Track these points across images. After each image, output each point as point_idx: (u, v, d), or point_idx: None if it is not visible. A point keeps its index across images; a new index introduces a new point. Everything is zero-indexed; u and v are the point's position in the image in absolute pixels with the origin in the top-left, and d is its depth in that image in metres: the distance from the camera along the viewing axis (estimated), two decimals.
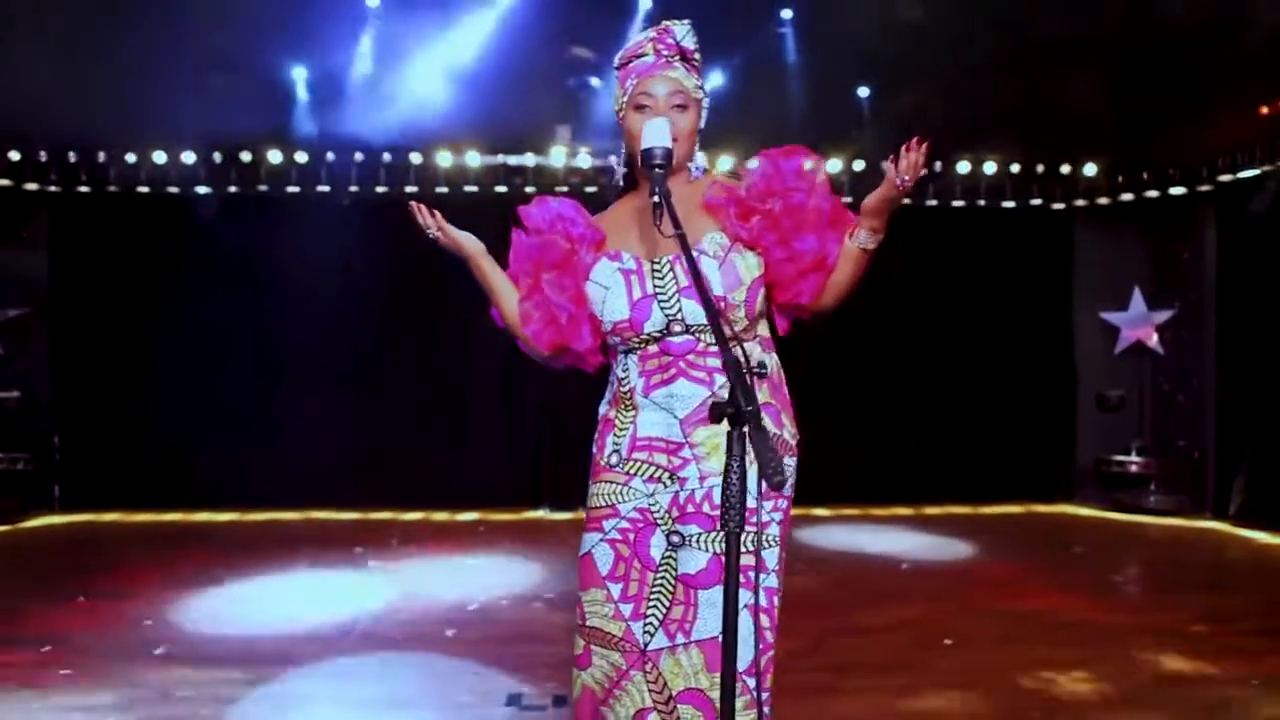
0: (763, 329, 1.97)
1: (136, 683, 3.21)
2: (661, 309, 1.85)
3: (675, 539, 1.84)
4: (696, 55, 1.98)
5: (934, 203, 7.05)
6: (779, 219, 1.87)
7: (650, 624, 1.84)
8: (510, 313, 1.99)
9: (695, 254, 1.81)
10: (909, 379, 7.07)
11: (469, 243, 2.01)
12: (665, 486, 1.86)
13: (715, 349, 1.72)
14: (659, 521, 1.86)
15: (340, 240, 6.53)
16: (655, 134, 1.76)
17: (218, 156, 6.44)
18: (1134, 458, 6.89)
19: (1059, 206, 7.17)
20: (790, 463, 1.93)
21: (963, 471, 7.14)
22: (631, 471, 1.88)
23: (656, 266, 1.89)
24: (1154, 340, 7.03)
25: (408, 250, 6.51)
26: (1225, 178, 6.44)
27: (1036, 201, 7.14)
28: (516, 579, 4.71)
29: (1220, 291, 6.56)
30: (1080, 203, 7.15)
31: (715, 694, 1.79)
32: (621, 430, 1.92)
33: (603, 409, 2.00)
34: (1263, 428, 6.10)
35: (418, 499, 6.64)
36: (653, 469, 1.87)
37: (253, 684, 3.23)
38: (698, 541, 1.82)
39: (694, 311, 1.84)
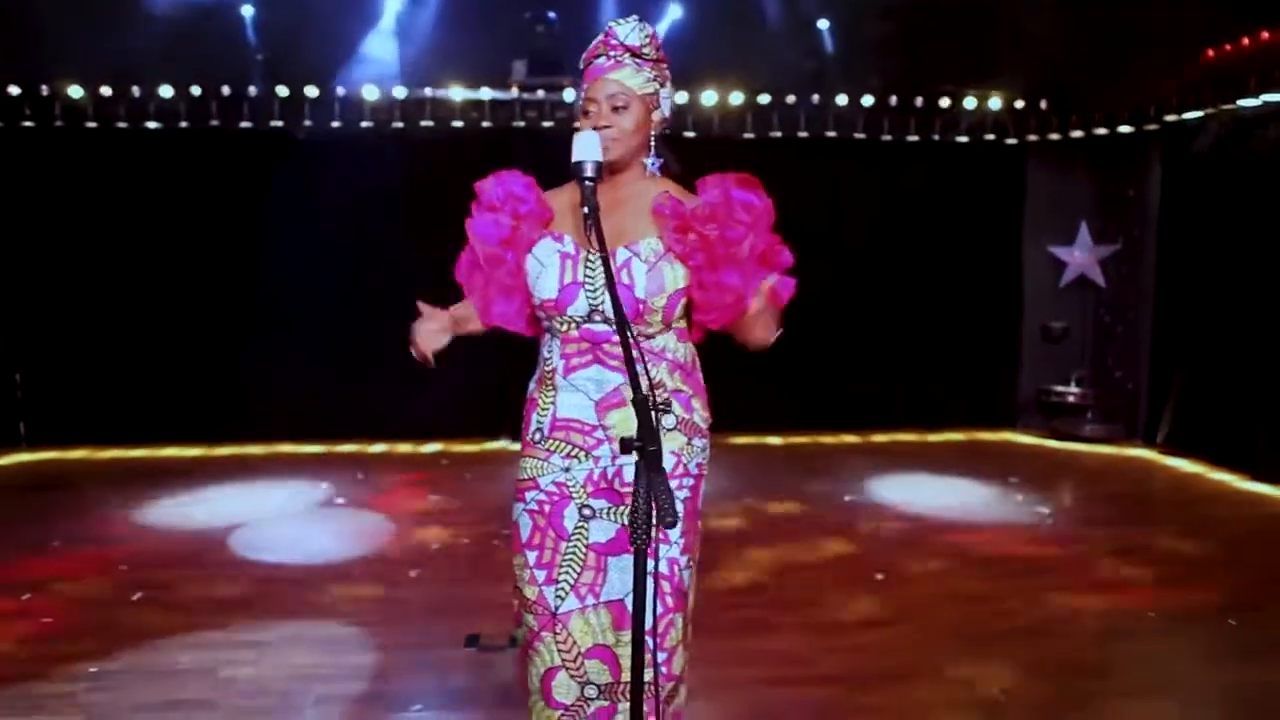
0: (682, 322, 2.13)
1: (117, 630, 3.40)
2: (586, 297, 2.01)
3: (587, 511, 2.05)
4: (646, 49, 2.08)
5: (889, 138, 7.11)
6: (713, 245, 2.02)
7: (562, 589, 2.06)
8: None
9: (629, 254, 2.00)
10: (861, 309, 7.25)
11: (442, 335, 2.08)
12: (580, 463, 2.05)
13: (630, 340, 1.82)
14: (573, 495, 2.06)
15: (300, 175, 6.54)
16: (584, 148, 1.85)
17: (167, 91, 6.33)
18: (1072, 388, 7.19)
19: (1012, 142, 7.28)
20: (700, 443, 2.13)
21: (910, 400, 7.41)
22: (551, 448, 2.08)
23: (590, 257, 2.03)
24: (1097, 274, 7.26)
25: (367, 185, 6.60)
26: (1170, 118, 6.56)
27: (990, 137, 7.25)
28: (477, 515, 4.92)
29: (1161, 229, 6.76)
30: (1032, 138, 7.26)
31: (620, 650, 2.04)
32: (544, 409, 2.11)
33: (530, 387, 2.19)
34: (1191, 361, 6.40)
35: (382, 431, 6.81)
36: (569, 447, 2.07)
37: (227, 628, 3.43)
38: (607, 514, 2.04)
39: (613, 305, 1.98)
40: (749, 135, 6.97)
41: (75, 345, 6.54)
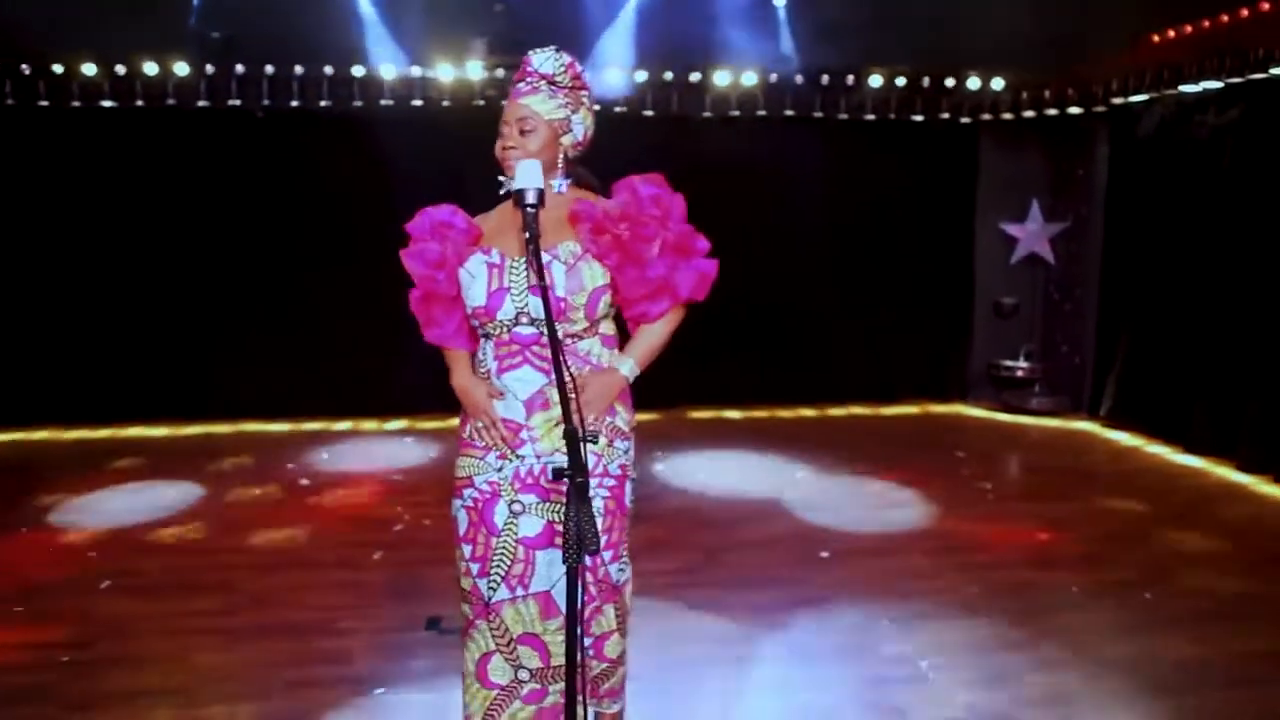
0: (606, 327, 2.29)
1: (89, 618, 3.51)
2: (512, 302, 2.17)
3: (517, 507, 2.22)
4: (560, 77, 2.24)
5: (845, 116, 7.23)
6: (626, 243, 2.17)
7: (494, 581, 2.24)
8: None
9: (549, 258, 2.16)
10: (818, 285, 7.43)
11: (480, 389, 2.27)
12: (510, 461, 2.22)
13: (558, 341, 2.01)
14: (503, 493, 2.23)
15: (261, 154, 6.58)
16: (526, 175, 1.96)
17: (121, 69, 6.29)
18: (1021, 362, 7.44)
19: (966, 120, 7.43)
20: (623, 445, 2.29)
21: (866, 374, 7.62)
22: (486, 446, 2.25)
23: (514, 264, 2.19)
24: (1047, 251, 7.47)
25: (328, 163, 6.63)
26: (1117, 101, 6.73)
27: (944, 115, 7.39)
28: (441, 494, 5.03)
29: (1108, 208, 6.96)
30: (986, 117, 7.41)
31: (547, 638, 2.25)
32: None
33: None
34: (1133, 337, 6.65)
35: (347, 408, 6.91)
36: (502, 446, 2.22)
37: (197, 614, 3.56)
38: (534, 509, 2.20)
39: (539, 307, 2.14)
40: (707, 115, 7.05)
41: (36, 326, 6.56)
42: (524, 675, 2.27)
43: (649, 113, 6.93)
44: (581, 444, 1.58)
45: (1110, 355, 6.91)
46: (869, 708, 2.91)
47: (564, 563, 1.57)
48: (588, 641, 2.30)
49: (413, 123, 6.56)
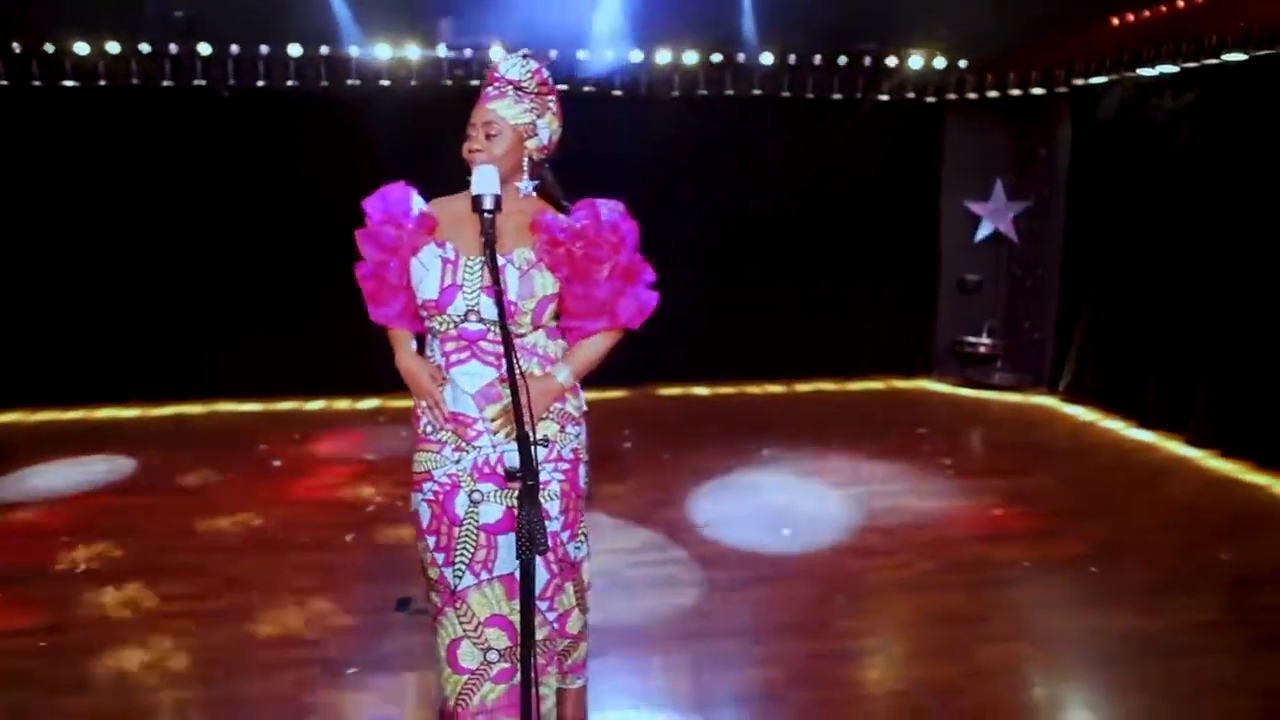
0: (552, 321, 2.37)
1: (65, 603, 3.57)
2: (464, 299, 2.24)
3: (476, 496, 2.31)
4: (526, 83, 2.30)
5: (812, 96, 7.28)
6: (579, 262, 2.26)
7: (459, 569, 2.33)
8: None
9: (504, 261, 2.22)
10: (785, 262, 7.53)
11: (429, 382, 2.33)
12: (467, 453, 2.30)
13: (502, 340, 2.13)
14: (462, 484, 2.31)
15: (227, 134, 6.56)
16: (483, 182, 2.02)
17: (83, 48, 6.22)
18: (984, 339, 7.59)
19: (931, 100, 7.51)
20: (574, 430, 2.40)
21: (832, 349, 7.76)
22: (443, 440, 2.33)
23: (468, 263, 2.26)
24: (1010, 229, 7.61)
25: (298, 143, 6.61)
26: (1078, 83, 6.84)
27: (910, 95, 7.46)
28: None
29: (1069, 187, 7.08)
30: (951, 97, 7.49)
31: (514, 617, 2.35)
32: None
33: None
34: (1092, 314, 6.81)
35: (320, 388, 6.95)
36: (457, 439, 2.31)
37: (172, 598, 3.62)
38: (493, 497, 2.30)
39: (489, 307, 2.23)
40: (675, 94, 7.09)
41: (3, 307, 6.52)
42: (493, 657, 2.37)
43: (618, 93, 6.95)
44: (532, 447, 1.66)
45: (1070, 332, 7.07)
46: (820, 682, 3.04)
47: (517, 557, 1.65)
48: (552, 616, 2.43)
49: (381, 102, 6.54)
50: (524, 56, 2.35)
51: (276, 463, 5.42)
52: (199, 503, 4.75)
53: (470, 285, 2.25)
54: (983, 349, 7.57)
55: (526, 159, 2.33)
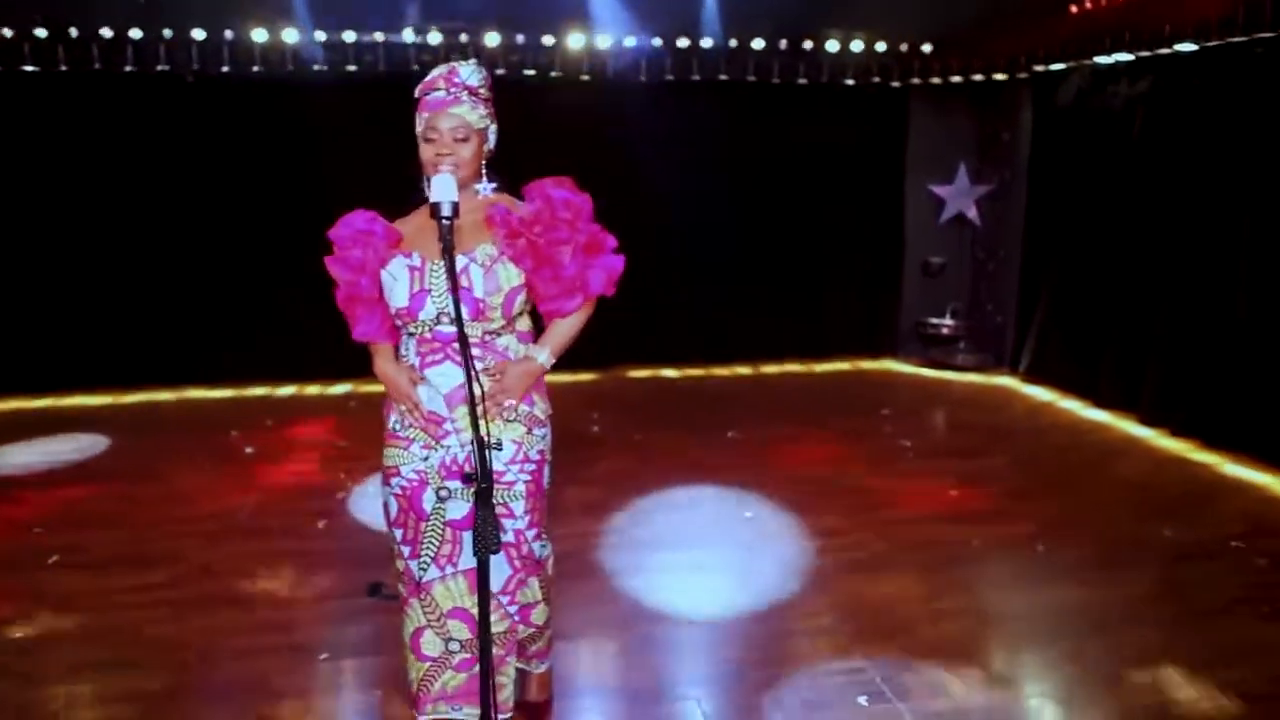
0: (522, 324, 2.47)
1: (38, 593, 3.63)
2: (433, 303, 2.32)
3: (444, 493, 2.41)
4: (481, 89, 2.37)
5: (778, 81, 7.36)
6: (541, 248, 2.34)
7: (424, 562, 2.44)
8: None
9: (466, 260, 2.31)
10: (752, 245, 7.63)
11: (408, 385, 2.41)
12: (435, 451, 2.39)
13: (477, 339, 2.33)
14: (429, 481, 2.41)
15: (192, 120, 6.55)
16: (442, 190, 2.11)
17: (42, 32, 6.18)
18: (947, 320, 7.75)
19: (896, 85, 7.61)
20: (540, 432, 2.49)
21: (799, 332, 7.89)
22: (411, 437, 2.42)
23: (434, 267, 2.34)
24: (973, 212, 7.75)
25: (264, 128, 6.61)
26: (1039, 69, 6.96)
27: (875, 79, 7.56)
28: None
29: (1030, 172, 7.22)
30: (915, 82, 7.59)
31: (476, 610, 2.43)
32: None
33: None
34: (1051, 296, 6.97)
35: (290, 374, 6.99)
36: (425, 437, 2.40)
37: (146, 587, 3.69)
38: (460, 494, 2.39)
39: (460, 307, 2.29)
40: (642, 79, 7.14)
41: None
42: (454, 647, 2.48)
43: (585, 78, 6.99)
44: (488, 451, 1.76)
45: (1030, 314, 7.24)
46: (774, 660, 3.17)
47: (475, 554, 1.75)
48: (513, 609, 2.53)
49: (347, 88, 6.55)
50: (476, 63, 2.42)
51: (249, 450, 5.48)
52: (171, 490, 4.81)
53: (438, 289, 2.32)
54: (946, 330, 7.73)
55: (484, 162, 2.41)
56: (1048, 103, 6.95)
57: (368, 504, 4.63)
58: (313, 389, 6.90)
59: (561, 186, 2.40)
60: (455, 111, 2.30)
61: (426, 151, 2.32)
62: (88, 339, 6.69)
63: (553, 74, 6.89)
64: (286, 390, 6.87)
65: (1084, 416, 6.33)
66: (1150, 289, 5.97)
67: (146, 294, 6.74)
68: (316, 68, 6.56)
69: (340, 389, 6.89)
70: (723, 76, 7.24)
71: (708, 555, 4.04)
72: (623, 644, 3.30)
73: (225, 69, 6.45)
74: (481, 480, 1.71)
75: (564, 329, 2.46)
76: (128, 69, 6.36)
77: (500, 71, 6.74)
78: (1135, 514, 4.51)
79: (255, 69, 6.48)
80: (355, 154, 6.51)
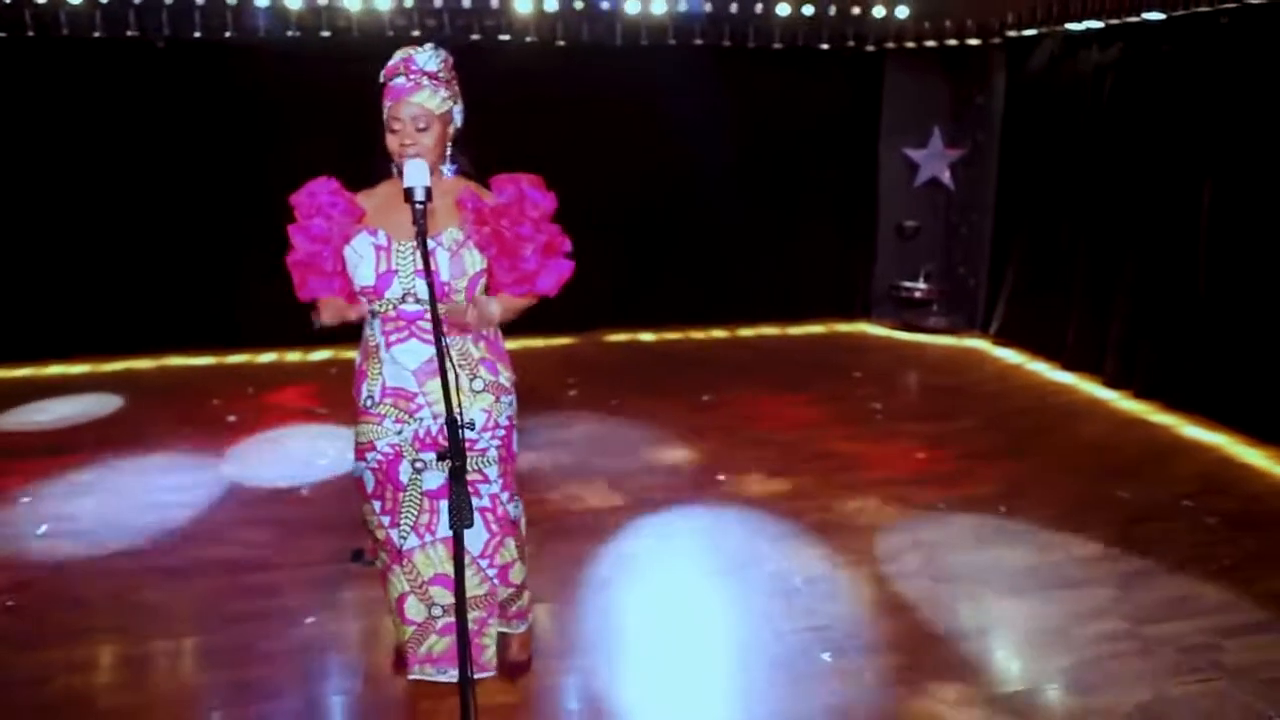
0: (481, 295, 2.54)
1: (28, 563, 3.72)
2: (400, 283, 2.41)
3: (419, 464, 2.53)
4: (442, 73, 2.42)
5: (754, 45, 7.37)
6: (506, 240, 2.43)
7: (403, 531, 2.57)
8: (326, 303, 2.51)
9: (433, 244, 2.40)
10: (729, 210, 7.69)
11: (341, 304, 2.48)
12: (408, 424, 2.50)
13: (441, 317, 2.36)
14: (405, 453, 2.53)
15: (164, 86, 6.51)
16: (415, 174, 2.17)
17: None
18: (920, 284, 7.87)
19: (871, 49, 7.64)
20: (507, 399, 2.61)
21: (775, 294, 7.99)
22: (383, 413, 2.53)
23: (400, 248, 2.43)
24: (947, 176, 7.83)
25: (237, 94, 6.58)
26: (1012, 34, 7.00)
27: (850, 43, 7.58)
28: None
29: (1003, 136, 7.30)
30: (890, 45, 7.62)
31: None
32: (373, 379, 2.55)
33: (357, 360, 2.63)
34: (1021, 259, 7.10)
35: (271, 340, 7.03)
36: (398, 411, 2.51)
37: (136, 555, 3.79)
38: (435, 465, 2.52)
39: (423, 288, 2.38)
40: (617, 43, 7.13)
41: None
42: (437, 611, 2.62)
43: (561, 43, 6.97)
44: (461, 430, 1.86)
45: (1001, 276, 7.37)
46: (742, 621, 3.32)
47: (450, 528, 1.86)
48: (493, 572, 2.67)
49: (321, 54, 6.51)
50: (435, 47, 2.46)
51: (231, 418, 5.55)
52: (154, 459, 4.88)
53: (405, 270, 2.41)
54: (919, 293, 7.86)
55: (449, 145, 2.48)
56: (1021, 68, 7.01)
57: (349, 469, 4.71)
58: (293, 355, 6.95)
59: (533, 185, 2.48)
60: (415, 100, 2.36)
61: (391, 141, 2.40)
62: (65, 307, 6.69)
63: (527, 39, 6.86)
64: (267, 357, 6.91)
65: (1050, 379, 6.49)
66: (1114, 255, 6.10)
67: (123, 262, 6.73)
68: (290, 33, 6.50)
69: (321, 355, 6.95)
70: (698, 41, 7.24)
71: (680, 519, 4.17)
72: (594, 605, 3.43)
73: (197, 34, 6.39)
74: (455, 458, 1.81)
75: (513, 303, 2.55)
76: (96, 35, 6.28)
77: (475, 37, 6.72)
78: (1094, 475, 4.68)
79: (227, 34, 6.42)
80: (328, 120, 6.50)
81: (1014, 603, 3.44)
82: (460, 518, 1.77)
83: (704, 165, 7.53)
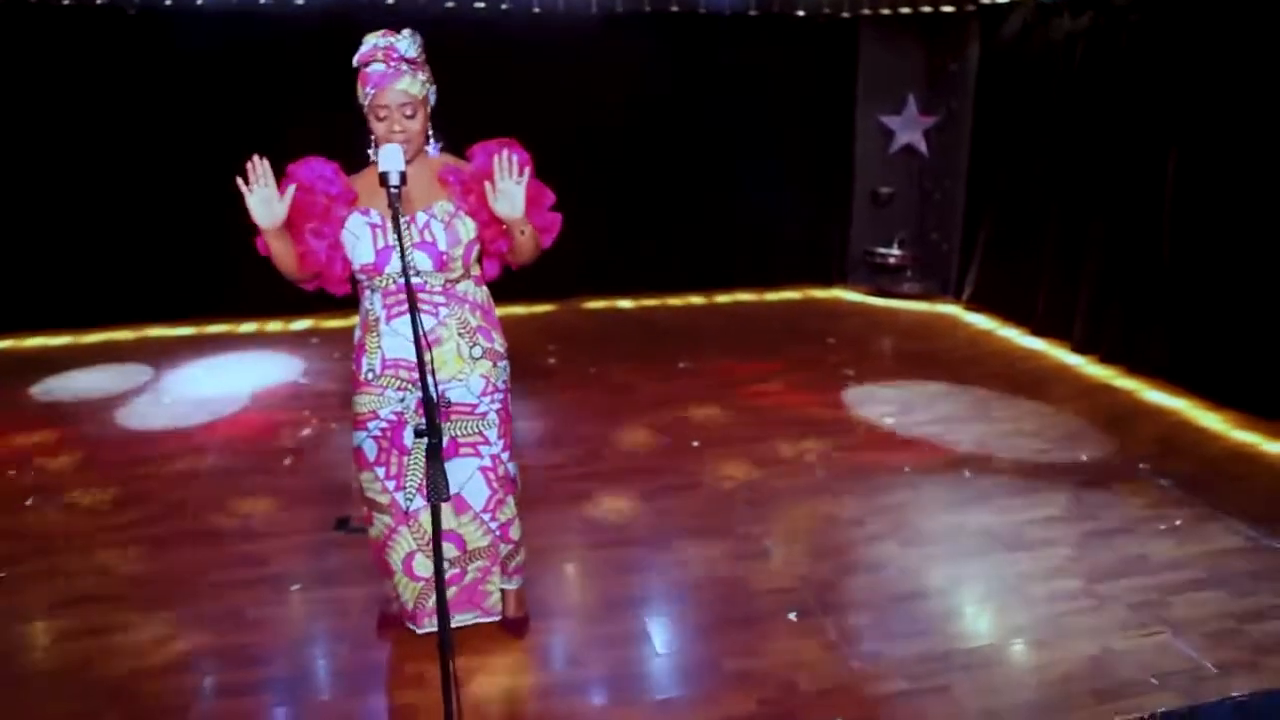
0: (475, 270, 2.70)
1: (15, 534, 3.79)
2: (399, 258, 2.48)
3: (418, 428, 2.60)
4: (420, 57, 2.50)
5: (729, 11, 7.37)
6: (481, 201, 2.52)
7: (409, 493, 2.70)
8: (280, 251, 2.51)
9: (427, 217, 2.52)
10: (705, 176, 7.77)
11: (277, 216, 2.42)
12: (410, 393, 2.62)
13: (440, 288, 2.57)
14: (408, 419, 2.65)
15: (136, 51, 6.48)
16: (389, 160, 2.23)
17: None
18: (894, 250, 7.97)
19: (846, 15, 7.65)
20: (503, 365, 2.74)
21: (752, 261, 8.09)
22: (384, 384, 2.64)
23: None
24: (922, 143, 7.91)
25: (211, 60, 6.55)
26: (987, 1, 7.04)
27: (826, 10, 7.59)
28: (347, 398, 5.36)
29: (977, 103, 7.37)
30: (865, 12, 7.64)
31: (462, 530, 2.73)
32: (372, 352, 2.65)
33: (357, 335, 2.72)
34: (993, 226, 7.21)
35: (251, 310, 7.06)
36: (399, 380, 2.62)
37: (122, 527, 3.87)
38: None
39: (423, 260, 2.53)
40: (593, 10, 7.11)
41: None
42: (444, 566, 2.73)
43: (537, 10, 6.94)
44: (438, 408, 1.95)
45: (973, 243, 7.48)
46: (718, 581, 3.46)
47: (428, 500, 1.96)
48: (495, 525, 2.83)
49: (298, 19, 6.48)
50: (411, 32, 2.51)
51: (219, 390, 5.60)
52: (138, 431, 4.94)
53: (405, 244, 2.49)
54: (893, 260, 7.96)
55: (430, 125, 2.55)
56: (994, 35, 7.07)
57: (332, 439, 4.81)
58: (274, 325, 6.99)
59: (504, 145, 2.54)
60: (400, 87, 2.43)
61: (379, 128, 2.47)
62: (43, 278, 6.69)
63: (503, 6, 6.84)
64: (248, 327, 6.95)
65: (1020, 344, 6.63)
66: (1082, 222, 6.22)
67: (102, 232, 6.73)
68: (263, 0, 6.46)
69: (301, 325, 6.99)
70: (674, 8, 7.23)
71: (659, 483, 4.29)
72: (579, 567, 3.56)
73: (168, 1, 6.34)
74: (432, 436, 1.91)
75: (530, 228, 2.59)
76: (66, 1, 6.22)
77: (449, 4, 6.69)
78: (1057, 440, 4.83)
79: (199, 1, 6.37)
80: (304, 85, 6.51)
81: (976, 563, 3.59)
82: (437, 491, 1.88)
83: (682, 133, 7.60)
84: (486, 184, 2.45)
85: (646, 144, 7.49)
